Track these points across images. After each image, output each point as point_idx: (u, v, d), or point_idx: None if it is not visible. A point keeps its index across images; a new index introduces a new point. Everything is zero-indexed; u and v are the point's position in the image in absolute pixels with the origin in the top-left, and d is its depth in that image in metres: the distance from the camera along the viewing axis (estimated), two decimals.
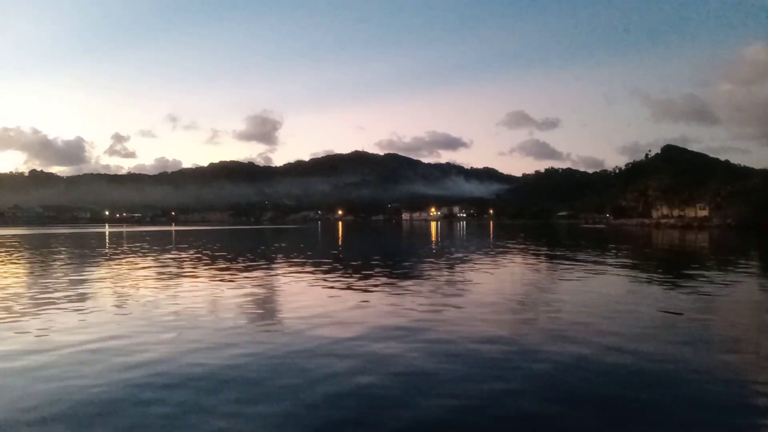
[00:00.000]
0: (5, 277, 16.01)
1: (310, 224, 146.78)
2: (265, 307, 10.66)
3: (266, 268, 18.49)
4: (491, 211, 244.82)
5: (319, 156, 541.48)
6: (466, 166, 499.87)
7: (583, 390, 5.59)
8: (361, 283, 14.37)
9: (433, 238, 46.30)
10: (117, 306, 10.68)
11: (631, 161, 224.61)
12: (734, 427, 4.66)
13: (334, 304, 10.94)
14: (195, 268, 18.74)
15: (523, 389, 5.60)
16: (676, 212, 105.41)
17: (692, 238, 45.51)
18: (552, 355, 6.91)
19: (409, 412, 4.99)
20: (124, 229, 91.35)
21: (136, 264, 20.26)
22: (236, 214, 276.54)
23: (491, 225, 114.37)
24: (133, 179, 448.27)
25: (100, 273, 17.10)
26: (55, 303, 10.99)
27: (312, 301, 11.38)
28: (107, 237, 51.42)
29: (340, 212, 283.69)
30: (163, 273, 16.95)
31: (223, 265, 19.56)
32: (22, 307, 10.63)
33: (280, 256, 24.79)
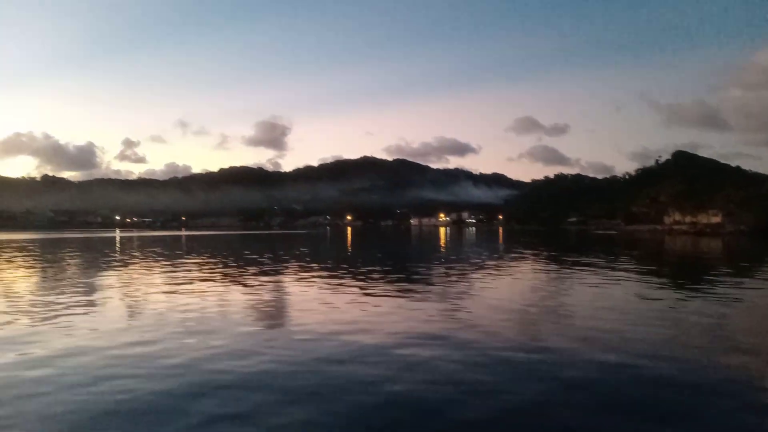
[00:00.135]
0: (28, 282, 16.12)
1: (320, 229, 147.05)
2: (286, 314, 10.63)
3: (282, 274, 18.48)
4: (500, 217, 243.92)
5: (328, 161, 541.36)
6: (474, 172, 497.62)
7: (621, 396, 5.52)
8: (379, 289, 14.30)
9: (444, 244, 46.16)
10: (140, 311, 10.70)
11: (641, 167, 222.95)
12: None
13: (354, 310, 10.89)
14: (212, 273, 18.77)
15: (558, 397, 5.53)
16: (688, 218, 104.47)
17: (707, 244, 45.03)
18: (585, 361, 6.84)
19: (443, 419, 4.94)
20: (135, 233, 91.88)
21: (153, 269, 20.33)
22: (246, 219, 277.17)
23: (500, 231, 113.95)
24: (144, 184, 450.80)
25: (120, 278, 17.16)
26: (73, 308, 11.03)
27: (332, 307, 11.33)
28: (120, 242, 51.73)
29: (349, 217, 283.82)
30: (182, 278, 16.98)
31: (240, 271, 19.57)
32: (42, 312, 10.66)
33: (294, 262, 24.77)
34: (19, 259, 26.06)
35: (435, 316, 10.13)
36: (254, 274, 18.06)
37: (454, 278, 16.97)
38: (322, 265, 22.07)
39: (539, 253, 30.32)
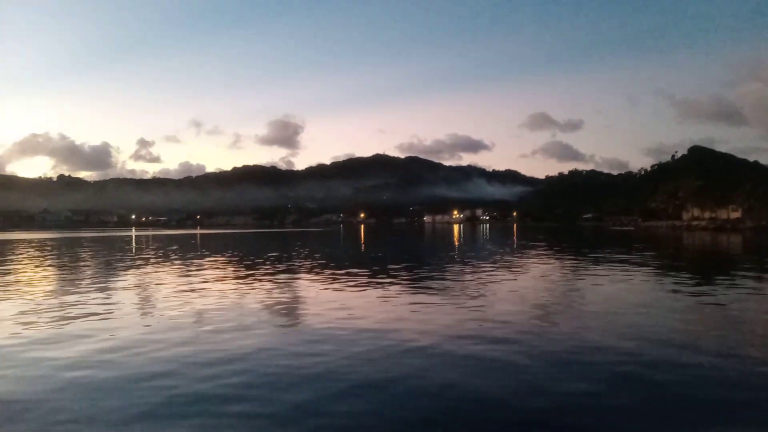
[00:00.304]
0: (66, 280, 16.23)
1: (333, 227, 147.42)
2: (322, 311, 10.49)
3: (310, 272, 18.41)
4: (515, 214, 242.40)
5: (341, 159, 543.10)
6: (488, 169, 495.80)
7: (672, 387, 5.36)
8: (409, 287, 14.20)
9: (460, 241, 45.88)
10: (181, 311, 10.65)
11: (657, 163, 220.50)
12: None
13: (389, 306, 10.78)
14: (236, 271, 18.80)
15: (605, 388, 5.38)
16: (707, 214, 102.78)
17: (727, 240, 44.22)
18: (627, 355, 6.72)
19: (504, 411, 4.86)
20: (151, 232, 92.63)
21: (179, 268, 20.39)
22: (260, 217, 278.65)
23: (515, 227, 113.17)
24: (158, 183, 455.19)
25: (148, 278, 17.21)
26: (102, 308, 11.04)
27: (368, 305, 11.25)
28: (139, 240, 52.17)
29: (362, 215, 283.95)
30: (211, 276, 17.03)
31: (264, 270, 19.54)
32: (68, 314, 10.66)
33: (318, 259, 24.72)
34: (52, 258, 26.32)
35: (471, 311, 9.98)
36: (283, 272, 18.09)
37: (482, 275, 16.76)
38: (347, 263, 22.01)
39: (562, 250, 29.95)
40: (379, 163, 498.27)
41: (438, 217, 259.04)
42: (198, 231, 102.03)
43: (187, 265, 20.71)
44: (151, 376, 6.09)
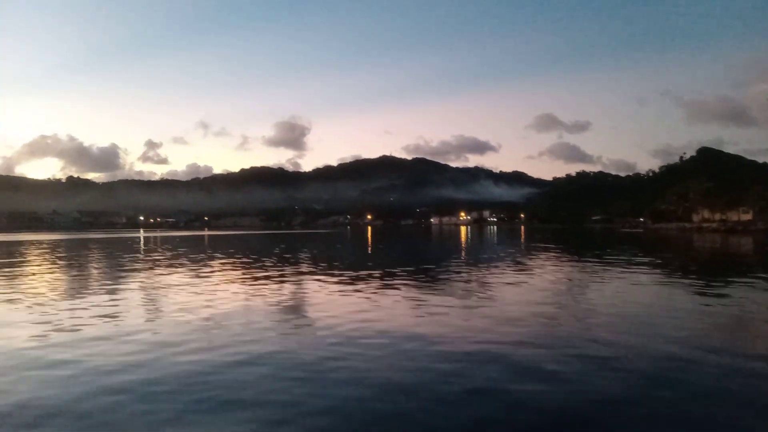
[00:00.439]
0: (75, 284, 16.25)
1: (340, 229, 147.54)
2: (341, 313, 10.39)
3: (320, 274, 18.36)
4: (522, 215, 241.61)
5: (347, 161, 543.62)
6: (494, 170, 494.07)
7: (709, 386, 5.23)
8: (424, 290, 14.11)
9: (470, 243, 45.68)
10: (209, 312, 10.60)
11: (665, 164, 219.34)
12: None
13: (413, 310, 10.68)
14: (249, 273, 18.75)
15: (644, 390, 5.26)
16: (717, 216, 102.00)
17: (739, 242, 43.76)
18: (660, 354, 6.60)
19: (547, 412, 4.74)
20: (159, 234, 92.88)
21: (192, 270, 20.38)
22: (267, 218, 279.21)
23: (522, 229, 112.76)
24: (166, 185, 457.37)
25: (162, 280, 17.19)
26: (126, 308, 11.01)
27: (386, 308, 11.12)
28: (150, 241, 52.31)
29: (369, 217, 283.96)
30: (224, 279, 17.02)
31: (277, 271, 19.50)
32: (92, 316, 10.63)
33: (328, 261, 24.70)
34: (66, 260, 26.42)
35: (496, 315, 9.85)
36: (295, 274, 18.07)
37: (499, 278, 16.62)
38: (361, 266, 21.95)
39: (576, 252, 29.74)
40: (386, 164, 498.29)
41: (445, 219, 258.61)
42: (206, 232, 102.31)
43: (200, 267, 20.69)
44: (175, 379, 6.01)
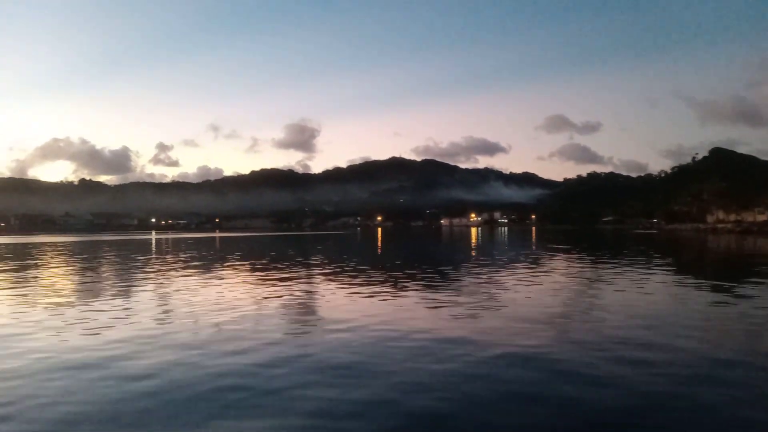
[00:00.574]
0: (98, 286, 16.31)
1: (350, 230, 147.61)
2: (363, 315, 10.31)
3: (335, 276, 18.25)
4: (533, 217, 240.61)
5: (357, 163, 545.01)
6: (504, 171, 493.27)
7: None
8: (449, 293, 13.96)
9: (482, 244, 45.45)
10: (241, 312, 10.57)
11: (677, 165, 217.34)
12: None
13: (438, 311, 10.58)
14: (267, 274, 18.73)
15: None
16: (732, 217, 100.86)
17: (756, 242, 43.12)
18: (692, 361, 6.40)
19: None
20: (171, 235, 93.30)
21: (210, 272, 20.41)
22: (277, 220, 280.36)
23: (533, 230, 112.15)
24: (177, 187, 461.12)
25: (179, 282, 17.21)
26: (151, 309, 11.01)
27: (409, 310, 11.00)
28: (164, 243, 52.60)
29: (379, 218, 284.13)
30: (241, 280, 17.00)
31: (298, 273, 19.46)
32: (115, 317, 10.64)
33: (342, 262, 24.58)
34: (86, 262, 26.60)
35: (524, 318, 9.72)
36: (318, 275, 18.02)
37: (519, 280, 16.45)
38: (375, 267, 21.89)
39: (591, 254, 29.47)
40: (395, 166, 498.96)
41: (455, 220, 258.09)
42: (218, 234, 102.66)
43: (219, 269, 20.71)
44: (205, 380, 5.96)
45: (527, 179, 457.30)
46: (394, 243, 51.84)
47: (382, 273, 18.54)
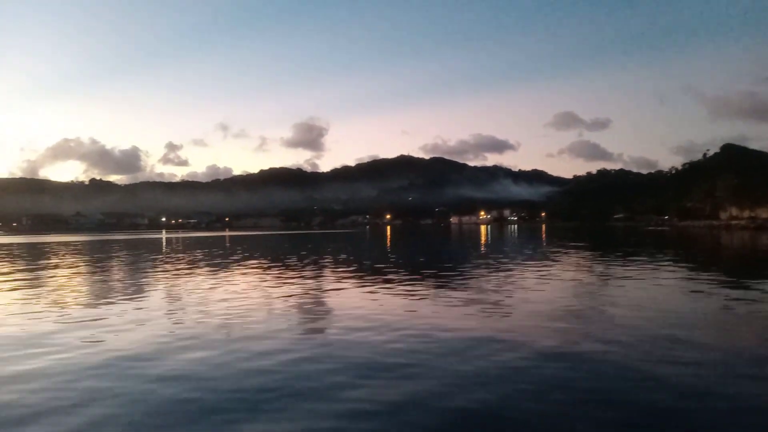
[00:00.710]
0: (116, 286, 16.36)
1: (359, 228, 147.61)
2: (394, 315, 10.23)
3: (349, 275, 18.22)
4: (543, 214, 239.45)
5: (365, 161, 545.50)
6: (513, 169, 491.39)
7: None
8: (468, 290, 13.86)
9: (492, 242, 45.23)
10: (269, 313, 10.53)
11: (688, 161, 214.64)
12: None
13: (462, 308, 10.47)
14: (281, 273, 18.72)
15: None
16: (746, 213, 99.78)
17: None
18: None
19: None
20: (181, 234, 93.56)
21: (223, 271, 20.43)
22: (286, 219, 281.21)
23: (543, 228, 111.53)
24: (187, 186, 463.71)
25: (206, 279, 17.23)
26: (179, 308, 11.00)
27: (441, 311, 10.92)
28: (175, 242, 52.80)
29: (388, 216, 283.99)
30: (256, 279, 17.02)
31: (313, 272, 19.45)
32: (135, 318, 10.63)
33: (354, 261, 24.58)
34: (100, 261, 26.75)
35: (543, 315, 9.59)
36: (332, 274, 18.04)
37: (543, 280, 16.30)
38: (387, 266, 21.83)
39: (606, 252, 29.22)
40: (404, 164, 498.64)
41: (465, 218, 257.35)
42: (228, 233, 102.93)
43: (230, 269, 20.73)
44: (233, 378, 5.90)
45: (536, 177, 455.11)
46: (404, 241, 51.69)
47: (395, 271, 18.44)
